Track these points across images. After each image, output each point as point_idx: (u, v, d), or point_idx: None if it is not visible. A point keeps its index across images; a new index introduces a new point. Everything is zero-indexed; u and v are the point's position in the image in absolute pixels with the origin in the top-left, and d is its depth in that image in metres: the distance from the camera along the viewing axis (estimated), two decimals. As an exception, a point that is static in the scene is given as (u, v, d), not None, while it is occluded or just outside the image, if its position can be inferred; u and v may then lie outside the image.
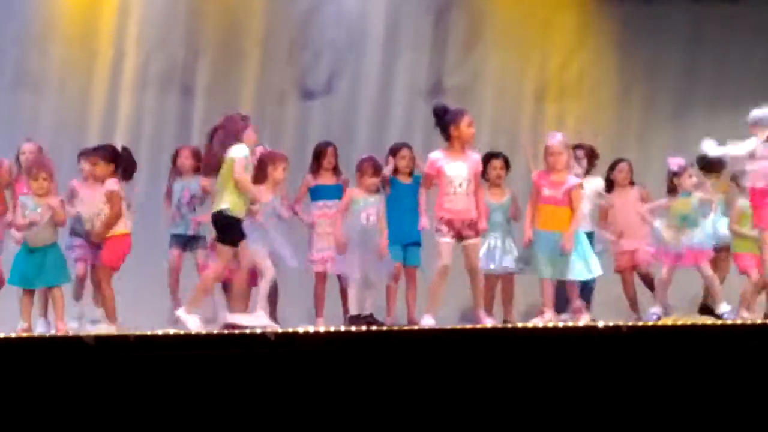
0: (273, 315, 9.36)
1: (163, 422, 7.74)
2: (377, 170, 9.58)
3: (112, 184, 9.05)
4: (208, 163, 8.98)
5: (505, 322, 9.62)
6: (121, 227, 9.04)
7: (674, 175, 9.73)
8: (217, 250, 8.92)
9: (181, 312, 8.78)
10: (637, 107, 12.48)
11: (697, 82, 12.60)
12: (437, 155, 9.21)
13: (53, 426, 7.68)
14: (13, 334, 8.54)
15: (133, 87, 12.34)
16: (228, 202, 8.76)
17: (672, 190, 9.75)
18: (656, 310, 9.70)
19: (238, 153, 8.79)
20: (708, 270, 9.66)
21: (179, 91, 12.39)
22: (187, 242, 9.87)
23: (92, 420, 7.69)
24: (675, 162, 9.74)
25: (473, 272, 9.16)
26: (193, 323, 8.65)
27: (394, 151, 9.86)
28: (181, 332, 8.78)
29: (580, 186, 9.23)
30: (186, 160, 9.98)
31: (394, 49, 12.60)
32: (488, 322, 8.97)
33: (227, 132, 8.88)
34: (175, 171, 10.02)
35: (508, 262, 9.77)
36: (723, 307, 9.59)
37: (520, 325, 8.84)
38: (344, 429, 7.79)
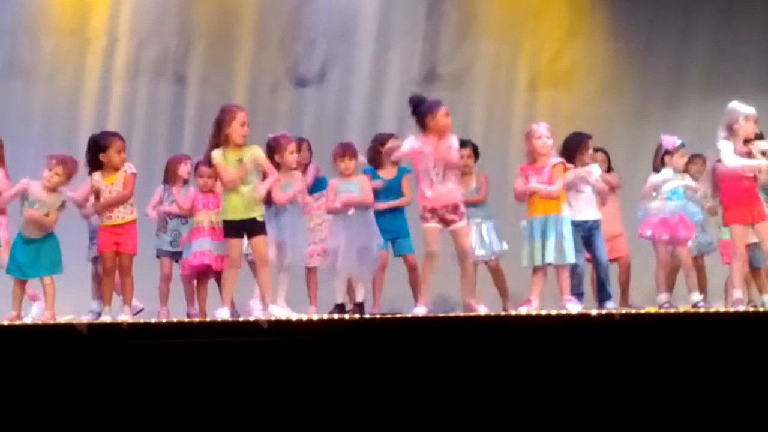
0: (202, 308, 9.51)
1: (156, 410, 7.73)
2: (353, 155, 9.53)
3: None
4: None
5: (504, 310, 9.62)
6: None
7: (666, 153, 9.78)
8: (226, 246, 8.88)
9: (221, 311, 8.76)
10: (629, 96, 12.50)
11: (690, 70, 12.64)
12: (415, 142, 9.08)
13: (46, 414, 7.66)
14: (5, 322, 8.54)
15: (125, 76, 12.32)
16: (222, 209, 8.82)
17: (659, 168, 9.79)
18: (664, 297, 9.73)
19: (215, 158, 8.74)
20: (687, 254, 9.70)
21: (172, 80, 12.39)
22: (173, 254, 9.83)
23: (85, 408, 7.68)
24: (670, 141, 9.78)
25: (463, 257, 9.13)
26: (223, 314, 8.67)
27: (380, 142, 9.77)
28: (174, 320, 8.78)
29: (563, 164, 9.24)
30: (186, 169, 9.91)
31: (387, 38, 12.60)
32: (482, 310, 8.95)
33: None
34: (171, 183, 9.90)
35: (487, 249, 9.78)
36: (695, 297, 9.63)
37: (513, 313, 8.83)
38: (338, 416, 7.79)
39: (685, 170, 9.90)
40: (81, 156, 10.02)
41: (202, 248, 9.50)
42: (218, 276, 9.38)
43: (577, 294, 9.40)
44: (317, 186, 9.85)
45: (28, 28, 12.18)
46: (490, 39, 12.65)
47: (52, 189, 9.05)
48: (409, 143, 8.97)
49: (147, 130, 11.98)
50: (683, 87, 12.60)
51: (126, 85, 12.28)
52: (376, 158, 9.73)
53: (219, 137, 8.75)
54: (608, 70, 12.64)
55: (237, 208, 8.72)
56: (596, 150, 10.16)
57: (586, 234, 9.49)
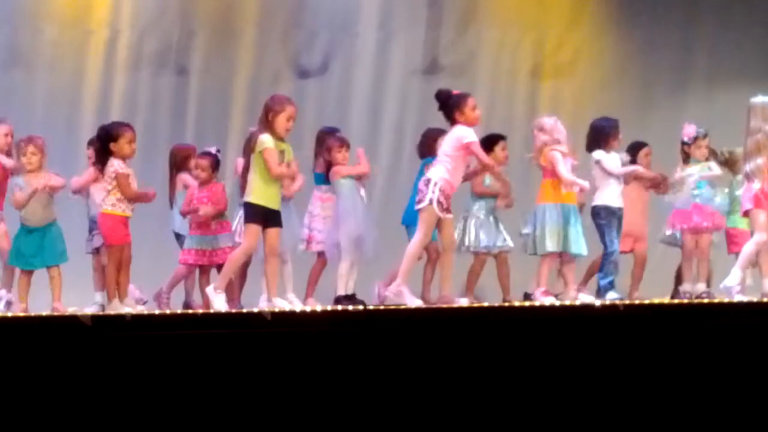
0: (238, 298, 9.44)
1: (160, 401, 7.73)
2: (345, 144, 9.54)
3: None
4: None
5: (504, 301, 9.62)
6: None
7: (684, 144, 9.83)
8: (245, 231, 8.76)
9: (210, 290, 8.71)
10: (633, 85, 12.49)
11: (694, 59, 12.62)
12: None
13: (50, 405, 7.66)
14: (9, 314, 8.53)
15: (127, 67, 12.29)
16: (252, 193, 8.67)
17: (685, 159, 9.87)
18: (701, 286, 9.74)
19: (267, 143, 8.62)
20: (708, 244, 9.73)
21: (174, 71, 12.36)
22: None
23: (89, 399, 7.68)
24: (686, 132, 9.84)
25: (451, 249, 9.12)
26: (219, 303, 8.59)
27: (432, 137, 9.68)
28: (178, 312, 8.78)
29: None
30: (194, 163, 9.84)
31: (389, 29, 12.58)
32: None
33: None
34: (182, 172, 9.84)
35: (501, 241, 9.78)
36: (701, 287, 9.67)
37: (517, 304, 8.84)
38: (343, 408, 7.79)
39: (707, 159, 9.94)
40: (83, 146, 10.05)
41: (189, 246, 9.46)
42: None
43: (611, 282, 9.40)
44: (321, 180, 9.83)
45: (30, 19, 12.15)
46: (492, 28, 12.63)
47: (37, 169, 8.97)
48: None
49: (149, 122, 11.96)
50: (687, 76, 12.59)
51: (128, 77, 12.25)
52: (428, 152, 9.69)
53: (265, 124, 8.67)
54: (612, 60, 12.62)
55: (273, 198, 8.66)
56: (642, 145, 10.14)
57: (618, 221, 9.51)
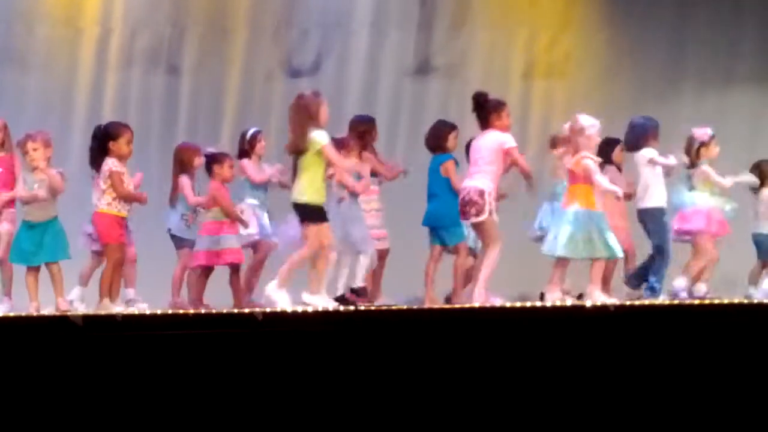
0: (200, 298, 9.43)
1: (150, 401, 7.73)
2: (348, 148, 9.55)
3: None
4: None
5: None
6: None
7: (702, 145, 9.71)
8: (315, 231, 8.68)
9: (271, 288, 8.66)
10: (625, 85, 12.50)
11: (685, 60, 12.64)
12: None
13: (40, 405, 7.66)
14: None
15: (118, 65, 12.28)
16: (311, 193, 8.66)
17: (695, 162, 9.73)
18: (701, 286, 9.71)
19: (324, 138, 8.62)
20: (714, 245, 9.70)
21: (165, 70, 12.35)
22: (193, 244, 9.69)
23: (79, 399, 7.68)
24: (704, 132, 9.74)
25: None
26: (282, 300, 8.56)
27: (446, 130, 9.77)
28: (169, 312, 8.78)
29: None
30: (201, 161, 9.72)
31: (381, 28, 12.59)
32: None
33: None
34: (191, 173, 9.74)
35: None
36: (703, 288, 9.65)
37: (508, 305, 8.86)
38: (334, 407, 7.80)
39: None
40: (73, 144, 10.03)
41: (233, 245, 9.42)
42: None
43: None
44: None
45: (21, 17, 12.13)
46: (484, 28, 12.64)
47: (41, 164, 8.91)
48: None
49: (141, 120, 11.91)
50: (679, 76, 12.61)
51: (119, 75, 12.24)
52: (438, 146, 9.68)
53: (310, 123, 8.66)
54: (603, 59, 12.64)
55: (323, 195, 8.72)
56: (617, 141, 10.09)
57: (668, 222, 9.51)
